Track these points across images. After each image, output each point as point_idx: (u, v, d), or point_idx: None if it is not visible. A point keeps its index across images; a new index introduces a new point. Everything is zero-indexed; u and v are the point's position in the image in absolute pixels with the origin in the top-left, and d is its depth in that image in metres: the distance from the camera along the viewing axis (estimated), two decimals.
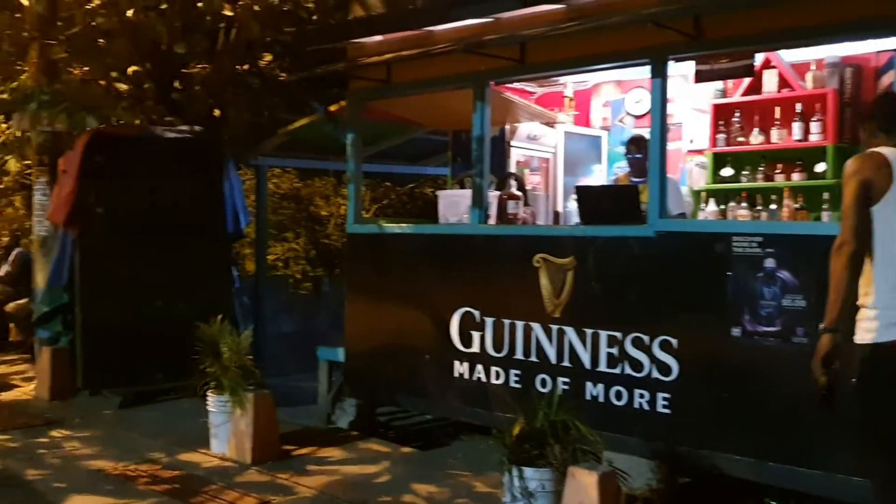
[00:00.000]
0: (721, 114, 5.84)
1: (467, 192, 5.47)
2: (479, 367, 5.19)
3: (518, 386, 4.98)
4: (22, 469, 5.14)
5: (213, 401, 5.39)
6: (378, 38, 5.59)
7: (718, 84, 5.77)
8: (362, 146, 6.25)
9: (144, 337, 6.73)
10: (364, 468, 5.11)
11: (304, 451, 5.43)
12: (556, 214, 6.61)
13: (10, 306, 9.38)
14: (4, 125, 10.46)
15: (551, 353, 4.84)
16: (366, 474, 5.01)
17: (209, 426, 5.44)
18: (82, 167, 6.79)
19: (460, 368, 5.29)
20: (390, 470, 5.08)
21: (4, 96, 7.85)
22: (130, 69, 7.84)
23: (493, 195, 5.51)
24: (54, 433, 5.99)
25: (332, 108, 6.92)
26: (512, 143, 6.55)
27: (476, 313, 5.20)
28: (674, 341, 4.31)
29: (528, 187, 6.30)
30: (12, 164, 9.97)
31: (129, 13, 7.05)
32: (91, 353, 6.81)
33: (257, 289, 8.39)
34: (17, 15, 7.38)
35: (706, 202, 5.58)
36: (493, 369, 5.12)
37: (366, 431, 5.87)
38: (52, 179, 7.37)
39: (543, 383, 4.85)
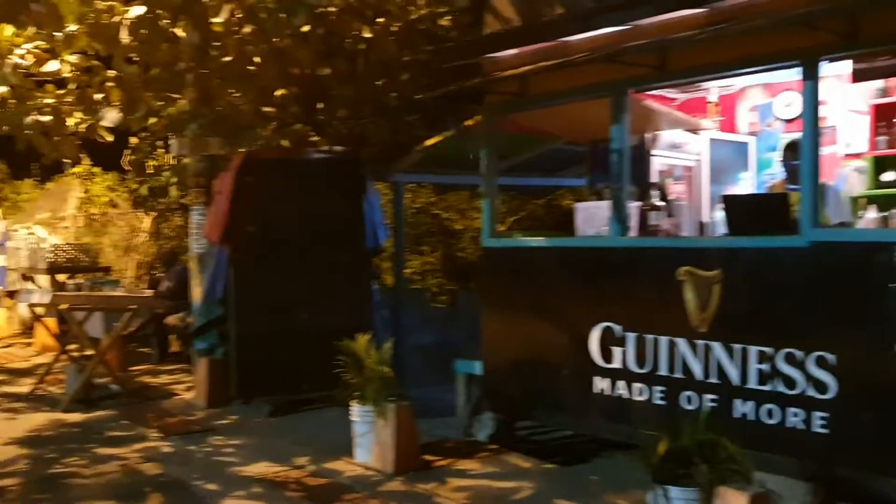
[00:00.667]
0: (882, 114, 5.48)
1: (606, 204, 5.38)
2: (621, 384, 5.07)
3: (662, 403, 4.83)
4: (182, 473, 5.48)
5: (356, 411, 5.54)
6: (513, 51, 5.61)
7: (878, 82, 5.40)
8: (497, 160, 6.28)
9: (292, 348, 7.03)
10: (505, 482, 5.09)
11: (444, 462, 5.48)
12: (702, 225, 6.37)
13: (171, 319, 10.02)
14: (163, 150, 11.31)
15: (697, 369, 4.66)
16: (507, 488, 4.99)
17: (353, 435, 5.59)
18: (235, 188, 7.18)
19: (601, 384, 5.19)
20: (531, 485, 5.04)
21: (163, 121, 8.39)
22: (277, 93, 8.23)
23: (633, 206, 5.38)
24: (211, 439, 6.35)
25: (468, 122, 6.99)
26: (653, 151, 6.39)
27: (617, 328, 5.09)
28: (830, 357, 4.06)
29: (670, 197, 6.12)
30: (174, 192, 10.71)
31: (276, 40, 7.39)
32: (243, 364, 7.17)
33: (396, 301, 8.56)
34: (175, 45, 7.91)
35: (865, 209, 5.23)
36: (636, 385, 4.99)
37: (505, 445, 5.85)
38: (208, 200, 7.82)
39: (689, 400, 4.68)
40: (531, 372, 5.70)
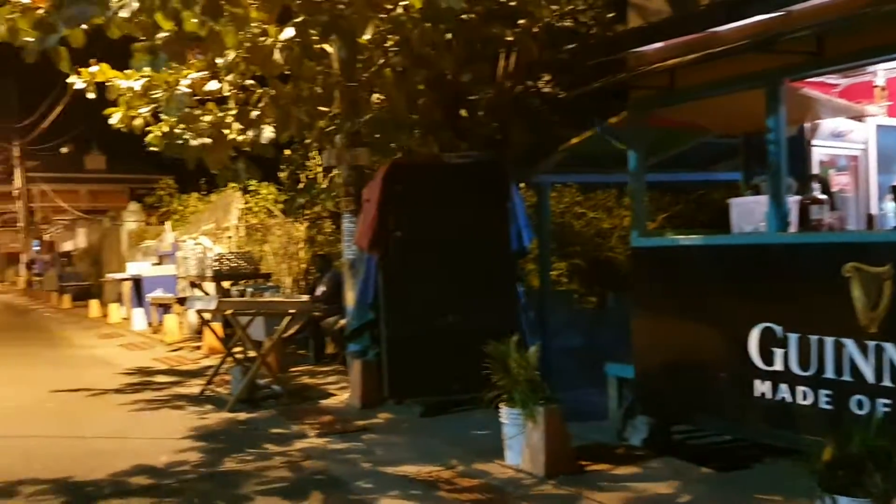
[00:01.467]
0: None
1: (763, 199, 5.13)
2: (784, 387, 4.81)
3: (829, 407, 4.54)
4: (340, 470, 5.70)
5: (505, 413, 5.56)
6: (659, 44, 5.46)
7: None
8: (645, 156, 6.13)
9: (441, 350, 7.15)
10: (661, 487, 4.96)
11: (597, 466, 5.40)
12: (870, 218, 5.95)
13: (326, 322, 10.44)
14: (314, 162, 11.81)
15: (868, 371, 4.36)
16: (664, 494, 4.85)
17: (503, 437, 5.61)
18: (382, 196, 7.39)
19: (761, 388, 4.95)
20: (689, 491, 4.88)
21: (314, 134, 8.76)
22: (421, 100, 8.41)
23: (792, 200, 5.11)
24: (366, 438, 6.57)
25: (612, 120, 6.87)
26: (813, 142, 6.02)
27: (777, 329, 4.84)
28: None
29: (833, 189, 5.76)
30: (329, 204, 11.17)
31: (420, 49, 7.55)
32: (395, 366, 7.36)
33: (542, 304, 8.52)
34: (324, 61, 8.25)
35: None
36: (800, 389, 4.72)
37: (660, 450, 5.68)
38: (358, 208, 8.10)
39: (860, 405, 4.38)
40: (686, 375, 5.52)
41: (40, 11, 5.87)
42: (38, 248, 40.88)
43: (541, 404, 5.27)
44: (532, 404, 5.28)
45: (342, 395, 8.35)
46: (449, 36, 7.66)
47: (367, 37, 7.35)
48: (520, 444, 5.45)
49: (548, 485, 5.08)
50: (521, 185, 8.41)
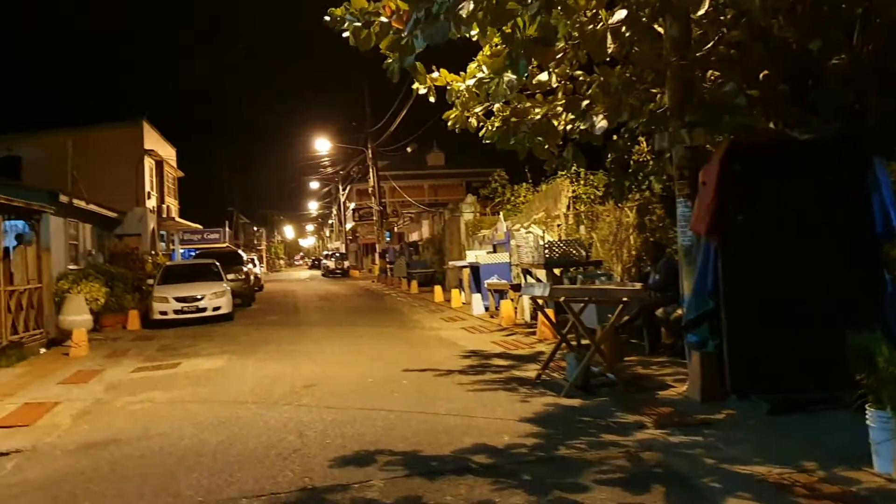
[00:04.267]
0: None
1: None
2: None
3: None
4: (681, 465, 5.51)
5: (871, 415, 4.98)
6: None
7: None
8: None
9: (790, 343, 6.63)
10: None
11: None
12: None
13: (660, 311, 10.19)
14: (645, 147, 11.54)
15: None
16: None
17: (869, 442, 5.02)
18: (720, 178, 7.00)
19: None
20: None
21: (644, 118, 8.54)
22: (761, 74, 7.82)
23: None
24: (707, 433, 6.28)
25: None
26: None
27: None
28: None
29: None
30: (656, 185, 10.90)
31: (763, 20, 7.02)
32: (737, 359, 6.95)
33: None
34: (656, 43, 8.01)
35: None
36: None
37: None
38: (692, 192, 7.76)
39: None
40: None
41: (395, 33, 6.44)
42: (389, 238, 45.36)
43: None
44: None
45: (679, 387, 8.08)
46: (797, 7, 7.02)
47: (701, 12, 7.00)
48: (890, 450, 4.85)
49: None
50: (888, 160, 7.45)
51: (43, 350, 14.45)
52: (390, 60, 6.84)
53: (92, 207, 22.15)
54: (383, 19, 6.57)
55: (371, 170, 42.62)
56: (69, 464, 6.47)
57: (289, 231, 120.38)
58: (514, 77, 7.51)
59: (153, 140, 31.77)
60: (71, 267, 19.36)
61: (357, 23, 6.85)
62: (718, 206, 7.03)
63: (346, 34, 6.96)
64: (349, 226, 63.02)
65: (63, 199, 19.08)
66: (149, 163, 30.78)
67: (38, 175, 25.17)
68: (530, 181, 20.59)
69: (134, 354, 13.57)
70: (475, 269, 18.52)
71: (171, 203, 34.69)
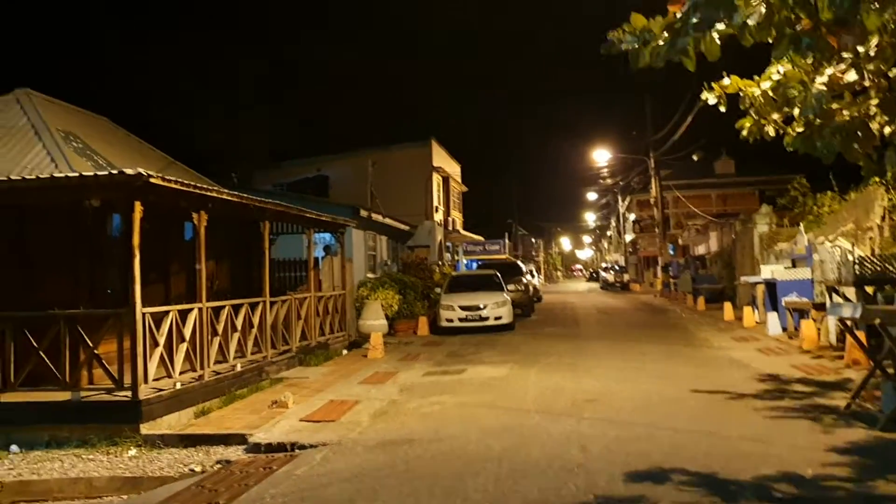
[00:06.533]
0: None
1: None
2: None
3: None
4: None
5: None
6: None
7: None
8: None
9: None
10: None
11: None
12: None
13: None
14: None
15: None
16: None
17: None
18: None
19: None
20: None
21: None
22: None
23: None
24: None
25: None
26: None
27: None
28: None
29: None
30: None
31: None
32: None
33: None
34: None
35: None
36: None
37: None
38: None
39: None
40: None
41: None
42: (672, 251, 43.84)
43: None
44: None
45: None
46: None
47: None
48: None
49: None
50: None
51: (345, 351, 15.86)
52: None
53: (388, 221, 23.97)
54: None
55: (653, 179, 41.49)
56: (369, 459, 6.96)
57: (566, 242, 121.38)
58: (824, 88, 6.84)
59: (441, 157, 33.69)
60: (369, 275, 21.06)
61: (636, 44, 6.60)
62: None
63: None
64: (629, 238, 61.97)
65: (363, 213, 20.88)
66: (436, 179, 32.69)
67: (342, 192, 27.83)
68: (836, 189, 18.76)
69: (424, 359, 14.39)
70: (771, 285, 17.17)
71: (456, 216, 36.52)
